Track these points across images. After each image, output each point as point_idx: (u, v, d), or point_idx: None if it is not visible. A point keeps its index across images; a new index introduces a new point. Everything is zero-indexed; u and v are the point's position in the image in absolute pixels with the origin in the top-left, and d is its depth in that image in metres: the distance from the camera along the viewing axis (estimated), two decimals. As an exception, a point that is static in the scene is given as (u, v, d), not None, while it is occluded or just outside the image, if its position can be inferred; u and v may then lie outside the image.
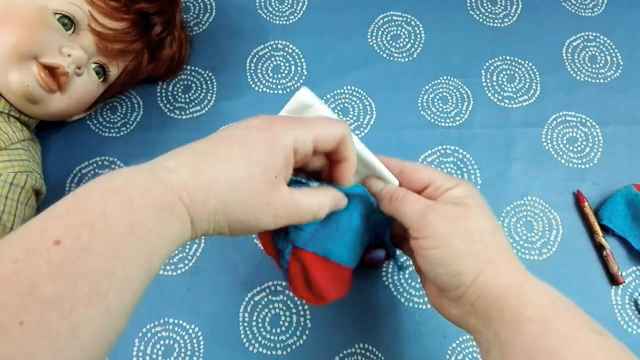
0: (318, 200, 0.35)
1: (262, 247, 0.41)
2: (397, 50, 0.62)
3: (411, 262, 0.46)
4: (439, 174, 0.39)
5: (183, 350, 0.50)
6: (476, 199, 0.37)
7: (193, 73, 0.62)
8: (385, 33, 0.63)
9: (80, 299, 0.25)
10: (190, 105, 0.60)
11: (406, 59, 0.62)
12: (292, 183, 0.36)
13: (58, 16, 0.49)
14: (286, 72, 0.61)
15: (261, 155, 0.31)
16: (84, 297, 0.25)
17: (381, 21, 0.64)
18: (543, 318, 0.31)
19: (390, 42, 0.63)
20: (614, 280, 0.51)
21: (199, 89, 0.61)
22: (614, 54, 0.62)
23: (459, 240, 0.34)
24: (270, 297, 0.51)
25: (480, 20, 0.64)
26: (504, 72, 0.61)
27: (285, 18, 0.64)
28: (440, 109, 0.59)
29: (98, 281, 0.25)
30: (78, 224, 0.26)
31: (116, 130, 0.59)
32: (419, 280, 0.52)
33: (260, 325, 0.51)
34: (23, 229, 0.26)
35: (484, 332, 0.34)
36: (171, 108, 0.60)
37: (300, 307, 0.51)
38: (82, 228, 0.26)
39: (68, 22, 0.50)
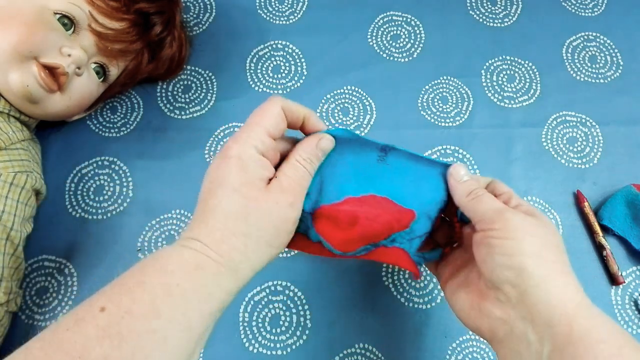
0: (299, 158, 0.36)
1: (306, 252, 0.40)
2: (397, 50, 0.62)
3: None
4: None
5: (183, 350, 0.50)
6: (547, 219, 0.37)
7: (193, 73, 0.62)
8: (385, 33, 0.63)
9: (126, 358, 0.27)
10: (190, 105, 0.60)
11: (406, 59, 0.62)
12: None
13: (58, 16, 0.49)
14: (286, 72, 0.61)
15: (242, 178, 0.33)
16: (129, 357, 0.27)
17: (381, 21, 0.64)
18: (617, 343, 0.31)
19: (390, 42, 0.63)
20: (614, 280, 0.51)
21: (199, 89, 0.61)
22: (614, 54, 0.62)
23: (533, 241, 0.33)
24: (270, 297, 0.51)
25: (480, 20, 0.64)
26: (504, 72, 0.61)
27: (285, 18, 0.64)
28: (440, 109, 0.59)
29: (141, 340, 0.28)
30: (120, 292, 0.30)
31: (116, 130, 0.59)
32: (419, 280, 0.52)
33: (260, 325, 0.51)
34: (76, 306, 0.30)
35: (533, 342, 0.33)
36: (171, 108, 0.60)
37: (300, 307, 0.51)
38: (123, 295, 0.30)
39: (68, 22, 0.50)
